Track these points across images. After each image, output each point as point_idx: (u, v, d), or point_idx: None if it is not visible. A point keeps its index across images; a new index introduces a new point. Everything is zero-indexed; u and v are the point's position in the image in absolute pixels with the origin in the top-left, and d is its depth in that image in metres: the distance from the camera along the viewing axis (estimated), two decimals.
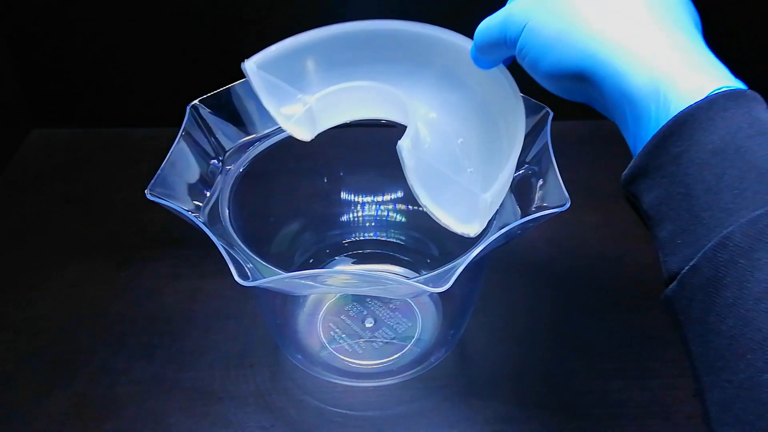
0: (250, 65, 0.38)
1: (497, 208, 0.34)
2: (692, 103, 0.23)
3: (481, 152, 0.39)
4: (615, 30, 0.26)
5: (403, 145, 0.34)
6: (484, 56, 0.34)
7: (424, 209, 0.34)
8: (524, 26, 0.29)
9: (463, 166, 0.38)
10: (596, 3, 0.27)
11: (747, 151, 0.22)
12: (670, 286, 0.24)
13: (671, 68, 0.24)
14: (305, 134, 0.40)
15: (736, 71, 0.25)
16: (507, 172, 0.34)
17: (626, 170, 0.26)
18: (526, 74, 0.32)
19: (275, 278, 0.32)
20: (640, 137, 0.25)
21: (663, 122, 0.24)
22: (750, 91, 0.24)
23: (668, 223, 0.24)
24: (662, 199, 0.24)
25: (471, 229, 0.33)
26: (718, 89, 0.23)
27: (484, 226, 0.33)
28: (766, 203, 0.21)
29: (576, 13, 0.27)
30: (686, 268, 0.23)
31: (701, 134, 0.23)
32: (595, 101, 0.28)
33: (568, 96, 0.30)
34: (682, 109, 0.23)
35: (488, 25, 0.32)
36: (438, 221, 0.34)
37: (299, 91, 0.39)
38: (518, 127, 0.35)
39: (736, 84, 0.24)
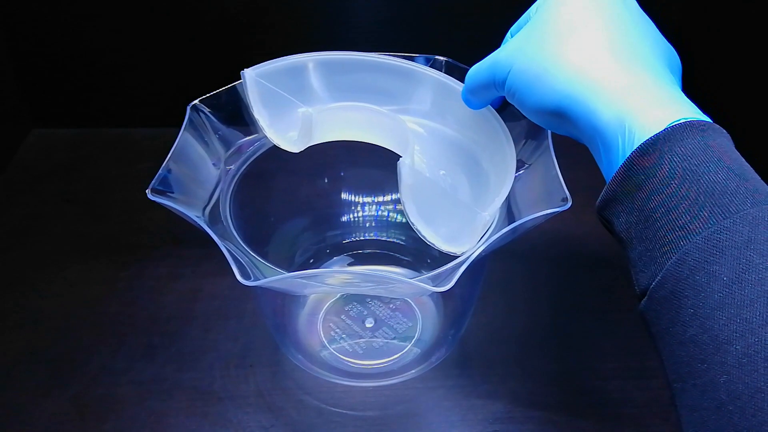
0: (249, 73, 0.40)
1: (489, 228, 0.35)
2: (653, 134, 0.26)
3: (462, 183, 0.40)
4: (587, 73, 0.29)
5: (405, 162, 0.35)
6: (474, 97, 0.37)
7: (412, 226, 0.35)
8: (509, 70, 0.32)
9: None
10: (569, 50, 0.29)
11: (701, 175, 0.25)
12: (642, 301, 0.26)
13: (635, 104, 0.27)
14: (294, 146, 0.40)
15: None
16: (502, 196, 0.35)
17: (599, 198, 0.28)
18: None
19: (277, 278, 0.32)
20: (610, 167, 0.28)
21: (629, 153, 0.26)
22: (706, 122, 0.26)
23: (637, 244, 0.26)
24: (630, 223, 0.27)
25: (458, 248, 0.35)
26: (676, 121, 0.26)
27: (474, 244, 0.34)
28: (719, 222, 0.24)
29: (552, 59, 0.30)
30: (653, 284, 0.25)
31: (660, 162, 0.25)
32: (574, 135, 0.31)
33: (554, 130, 0.33)
34: (644, 140, 0.26)
35: (478, 69, 0.35)
36: (424, 239, 0.35)
37: (299, 102, 0.40)
38: (508, 160, 0.37)
39: (696, 116, 0.26)
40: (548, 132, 0.38)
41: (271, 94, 0.40)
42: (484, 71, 0.34)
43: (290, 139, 0.40)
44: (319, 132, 0.41)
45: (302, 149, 0.41)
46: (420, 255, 0.52)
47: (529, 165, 0.39)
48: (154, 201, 0.34)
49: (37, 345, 0.48)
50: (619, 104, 0.27)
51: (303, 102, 0.41)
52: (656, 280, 0.25)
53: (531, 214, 0.33)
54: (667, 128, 0.25)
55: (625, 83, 0.28)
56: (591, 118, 0.28)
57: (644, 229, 0.26)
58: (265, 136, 0.41)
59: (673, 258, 0.24)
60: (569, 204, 0.33)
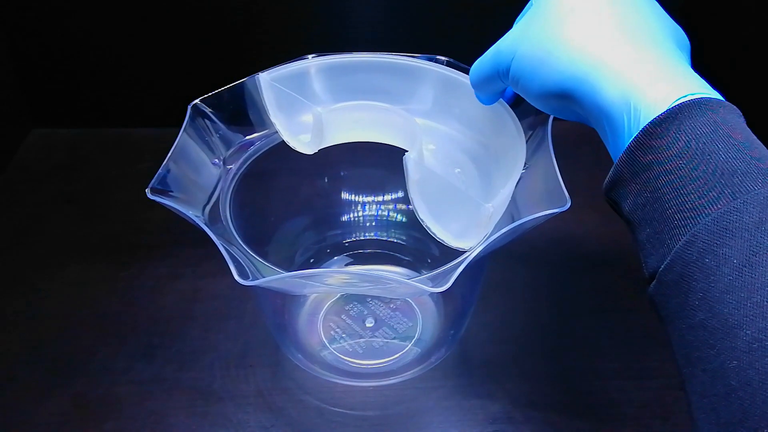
0: (264, 77, 0.40)
1: (496, 221, 0.35)
2: (660, 112, 0.25)
3: (472, 178, 0.40)
4: (590, 52, 0.28)
5: (411, 156, 0.35)
6: (481, 91, 0.37)
7: (422, 223, 0.35)
8: (512, 58, 0.32)
9: None
10: (571, 30, 0.29)
11: (710, 154, 0.24)
12: (651, 285, 0.26)
13: (640, 81, 0.26)
14: (308, 148, 0.41)
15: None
16: (508, 188, 0.35)
17: (606, 179, 0.28)
18: None
19: (276, 278, 0.32)
20: (617, 147, 0.27)
21: (635, 132, 0.26)
22: (716, 99, 0.25)
23: (645, 226, 0.26)
24: (638, 204, 0.26)
25: (467, 244, 0.34)
26: (683, 97, 0.25)
27: (481, 239, 0.34)
28: (729, 202, 0.23)
29: (555, 41, 0.29)
30: (662, 266, 0.25)
31: (668, 142, 0.25)
32: (582, 118, 0.31)
33: (560, 115, 0.33)
34: (650, 118, 0.25)
35: (481, 62, 0.35)
36: (434, 236, 0.35)
37: (311, 104, 0.41)
38: (517, 151, 0.37)
39: (704, 92, 0.26)
40: (548, 132, 0.38)
41: (284, 98, 0.41)
42: (487, 63, 0.34)
43: (303, 141, 0.41)
44: (330, 132, 0.41)
45: (316, 150, 0.41)
46: (420, 255, 0.52)
47: (529, 165, 0.38)
48: (154, 201, 0.34)
49: (38, 345, 0.48)
50: (624, 81, 0.27)
51: (315, 103, 0.42)
52: (665, 263, 0.24)
53: (531, 215, 0.33)
54: (674, 106, 0.25)
55: (629, 59, 0.27)
56: (596, 98, 0.28)
57: (652, 210, 0.25)
58: (270, 136, 0.41)
59: (682, 240, 0.24)
60: (569, 204, 0.33)
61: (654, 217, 0.25)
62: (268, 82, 0.40)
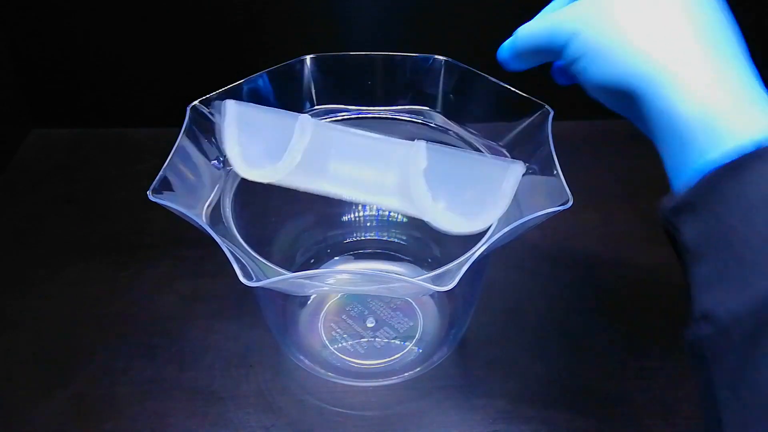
0: (230, 102, 0.38)
1: (503, 211, 0.35)
2: (749, 146, 0.23)
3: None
4: (671, 53, 0.26)
5: (421, 143, 0.34)
6: (519, 61, 0.33)
7: (428, 223, 0.35)
8: (573, 35, 0.28)
9: None
10: (650, 24, 0.26)
11: None
12: (703, 327, 0.23)
13: (725, 104, 0.24)
14: (270, 175, 0.38)
15: None
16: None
17: (670, 201, 0.25)
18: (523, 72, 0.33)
19: (279, 278, 0.32)
20: (683, 165, 0.25)
21: (712, 157, 0.24)
22: None
23: (709, 260, 0.23)
24: (706, 236, 0.24)
25: (484, 222, 0.34)
26: None
27: (501, 211, 0.33)
28: None
29: (631, 29, 0.27)
30: (727, 315, 0.22)
31: (755, 180, 0.22)
32: (639, 120, 0.28)
33: (613, 108, 0.30)
34: (737, 150, 0.23)
35: (532, 30, 0.31)
36: (438, 229, 0.34)
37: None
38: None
39: None
40: (549, 131, 0.38)
41: (254, 118, 0.38)
42: (542, 33, 0.30)
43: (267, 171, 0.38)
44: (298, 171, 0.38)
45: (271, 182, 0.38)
46: (421, 255, 0.52)
47: (531, 164, 0.39)
48: (154, 201, 0.34)
49: (37, 345, 0.48)
50: (706, 99, 0.24)
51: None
52: (732, 312, 0.22)
53: (532, 213, 0.33)
54: (764, 144, 0.23)
55: (714, 73, 0.25)
56: (667, 107, 0.25)
57: (722, 247, 0.23)
58: None
59: (762, 293, 0.21)
60: (570, 203, 0.33)
61: (722, 254, 0.23)
62: (233, 105, 0.38)
